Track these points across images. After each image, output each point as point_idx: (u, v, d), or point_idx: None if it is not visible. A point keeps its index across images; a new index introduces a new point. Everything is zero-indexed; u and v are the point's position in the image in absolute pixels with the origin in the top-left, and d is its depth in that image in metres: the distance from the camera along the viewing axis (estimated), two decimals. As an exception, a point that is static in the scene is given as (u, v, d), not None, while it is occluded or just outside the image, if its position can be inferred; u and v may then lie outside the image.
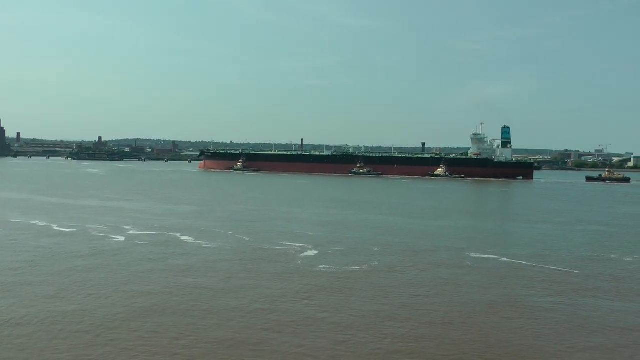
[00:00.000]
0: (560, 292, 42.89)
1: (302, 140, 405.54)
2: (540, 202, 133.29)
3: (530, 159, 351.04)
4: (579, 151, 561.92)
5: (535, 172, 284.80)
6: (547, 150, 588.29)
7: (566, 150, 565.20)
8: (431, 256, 56.26)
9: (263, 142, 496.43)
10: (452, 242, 65.39)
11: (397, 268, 50.17)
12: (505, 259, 55.62)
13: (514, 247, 62.98)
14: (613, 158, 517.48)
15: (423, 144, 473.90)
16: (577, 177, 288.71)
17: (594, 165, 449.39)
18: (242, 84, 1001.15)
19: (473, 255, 57.24)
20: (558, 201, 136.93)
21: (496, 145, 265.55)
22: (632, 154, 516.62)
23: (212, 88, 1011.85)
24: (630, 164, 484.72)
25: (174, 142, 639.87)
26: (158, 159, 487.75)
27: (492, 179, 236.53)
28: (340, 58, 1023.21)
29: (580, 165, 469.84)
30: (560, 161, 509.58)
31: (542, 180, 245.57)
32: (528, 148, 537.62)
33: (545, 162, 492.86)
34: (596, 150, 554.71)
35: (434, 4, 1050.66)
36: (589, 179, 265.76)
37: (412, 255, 56.27)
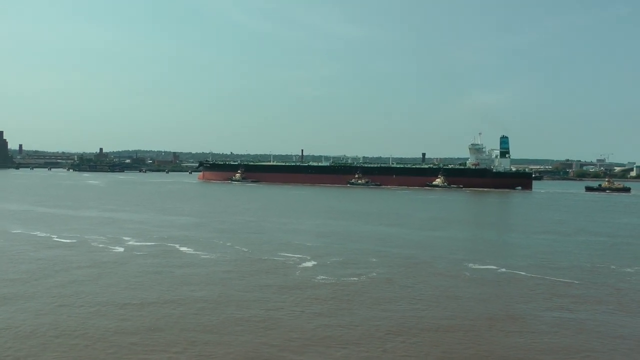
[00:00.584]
0: (561, 304, 42.39)
1: (302, 150, 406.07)
2: (539, 212, 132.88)
3: (530, 169, 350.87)
4: (580, 161, 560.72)
5: (535, 182, 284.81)
6: (548, 160, 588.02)
7: (567, 160, 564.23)
8: (429, 267, 55.80)
9: (263, 153, 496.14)
10: (450, 253, 64.93)
11: (395, 279, 49.72)
12: (504, 269, 55.14)
13: (513, 258, 62.48)
14: (615, 168, 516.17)
15: (423, 154, 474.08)
16: (578, 187, 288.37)
17: (595, 175, 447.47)
18: (243, 94, 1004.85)
19: (472, 266, 56.77)
20: (557, 211, 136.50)
21: (494, 155, 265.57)
22: (634, 163, 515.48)
23: (213, 99, 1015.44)
24: (633, 173, 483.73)
25: (174, 153, 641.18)
26: (159, 170, 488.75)
27: (490, 189, 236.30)
28: (340, 68, 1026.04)
29: (581, 175, 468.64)
30: (562, 171, 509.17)
31: (542, 191, 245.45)
32: (529, 158, 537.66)
33: (546, 172, 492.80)
34: (598, 160, 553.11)
35: (433, 13, 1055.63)
36: (588, 188, 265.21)
37: (411, 266, 55.83)
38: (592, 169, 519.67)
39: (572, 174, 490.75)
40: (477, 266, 56.65)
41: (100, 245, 64.62)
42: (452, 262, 58.59)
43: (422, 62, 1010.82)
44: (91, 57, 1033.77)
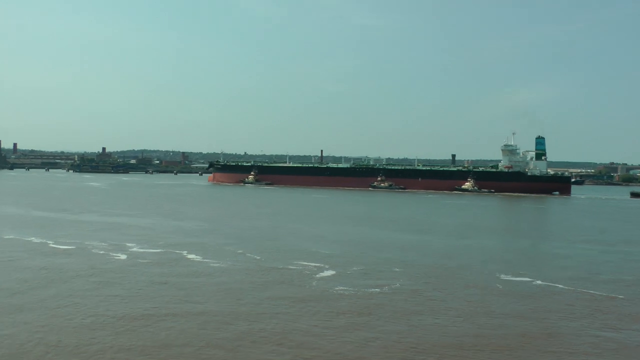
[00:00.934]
0: (604, 321, 41.72)
1: (321, 151, 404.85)
2: (579, 219, 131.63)
3: (570, 172, 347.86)
4: (626, 164, 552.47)
5: (575, 187, 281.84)
6: (590, 163, 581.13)
7: (612, 163, 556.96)
8: (458, 278, 55.39)
9: (279, 154, 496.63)
10: (480, 263, 64.45)
11: (420, 291, 49.40)
12: (539, 281, 54.57)
13: (550, 269, 61.86)
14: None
15: (453, 156, 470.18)
16: (623, 193, 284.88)
17: None
18: (257, 91, 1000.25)
19: (504, 277, 56.27)
20: (599, 219, 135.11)
21: (529, 157, 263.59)
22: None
23: (225, 95, 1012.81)
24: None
25: (183, 153, 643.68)
26: (166, 172, 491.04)
27: (524, 194, 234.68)
28: (362, 62, 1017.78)
29: (628, 180, 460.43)
30: (606, 175, 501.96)
31: (582, 196, 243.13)
32: (568, 160, 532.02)
33: (588, 176, 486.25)
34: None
35: (464, 1, 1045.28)
36: (633, 194, 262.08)
37: (437, 277, 55.45)
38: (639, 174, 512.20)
39: (617, 179, 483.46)
40: (510, 278, 56.14)
41: (101, 252, 64.84)
42: (483, 273, 58.12)
43: (452, 55, 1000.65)
44: (94, 50, 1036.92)
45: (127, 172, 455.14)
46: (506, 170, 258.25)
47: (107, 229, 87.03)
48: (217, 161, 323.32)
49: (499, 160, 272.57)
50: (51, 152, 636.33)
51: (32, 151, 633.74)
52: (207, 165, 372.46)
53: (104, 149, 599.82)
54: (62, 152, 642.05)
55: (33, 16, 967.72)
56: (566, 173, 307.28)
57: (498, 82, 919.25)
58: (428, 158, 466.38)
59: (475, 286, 52.06)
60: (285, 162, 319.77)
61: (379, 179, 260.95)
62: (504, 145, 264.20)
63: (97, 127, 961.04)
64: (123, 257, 62.54)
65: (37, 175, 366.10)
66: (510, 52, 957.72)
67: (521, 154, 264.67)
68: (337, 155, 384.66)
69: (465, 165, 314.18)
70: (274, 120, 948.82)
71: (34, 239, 73.67)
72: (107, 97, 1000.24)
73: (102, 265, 57.39)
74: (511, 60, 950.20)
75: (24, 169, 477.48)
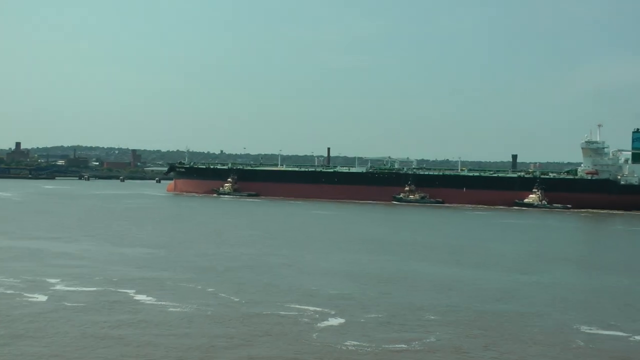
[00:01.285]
0: None
1: (328, 149, 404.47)
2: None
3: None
4: None
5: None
6: None
7: None
8: (519, 330, 55.14)
9: (268, 153, 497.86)
10: (551, 309, 64.23)
11: (465, 348, 49.12)
12: (638, 337, 54.20)
13: (651, 318, 61.57)
14: None
15: (514, 157, 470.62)
16: None
17: None
18: (238, 66, 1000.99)
19: (587, 329, 55.92)
20: None
21: (623, 159, 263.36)
22: None
23: (192, 72, 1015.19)
24: None
25: (134, 151, 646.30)
26: (109, 177, 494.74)
27: (616, 211, 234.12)
28: (383, 25, 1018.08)
29: None
30: None
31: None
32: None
33: None
34: None
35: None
36: None
37: (489, 329, 55.22)
38: None
39: None
40: (595, 330, 55.88)
41: (9, 292, 64.56)
42: (557, 324, 57.91)
43: (510, 18, 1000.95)
44: (7, 7, 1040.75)
45: (53, 178, 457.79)
46: (589, 177, 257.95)
47: (20, 257, 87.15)
48: (180, 162, 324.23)
49: (579, 164, 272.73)
50: None
51: None
52: (166, 169, 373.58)
53: (18, 144, 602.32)
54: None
55: None
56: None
57: (575, 56, 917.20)
58: (477, 160, 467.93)
59: (543, 343, 51.70)
60: (277, 165, 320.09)
61: (406, 188, 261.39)
62: (586, 142, 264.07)
63: (8, 113, 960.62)
64: (42, 298, 62.29)
65: None
66: (592, 15, 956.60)
67: (611, 154, 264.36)
68: (350, 155, 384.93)
69: (530, 170, 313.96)
70: (261, 106, 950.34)
71: None
72: (22, 72, 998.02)
73: (9, 310, 57.04)
74: (594, 26, 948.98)
75: None
